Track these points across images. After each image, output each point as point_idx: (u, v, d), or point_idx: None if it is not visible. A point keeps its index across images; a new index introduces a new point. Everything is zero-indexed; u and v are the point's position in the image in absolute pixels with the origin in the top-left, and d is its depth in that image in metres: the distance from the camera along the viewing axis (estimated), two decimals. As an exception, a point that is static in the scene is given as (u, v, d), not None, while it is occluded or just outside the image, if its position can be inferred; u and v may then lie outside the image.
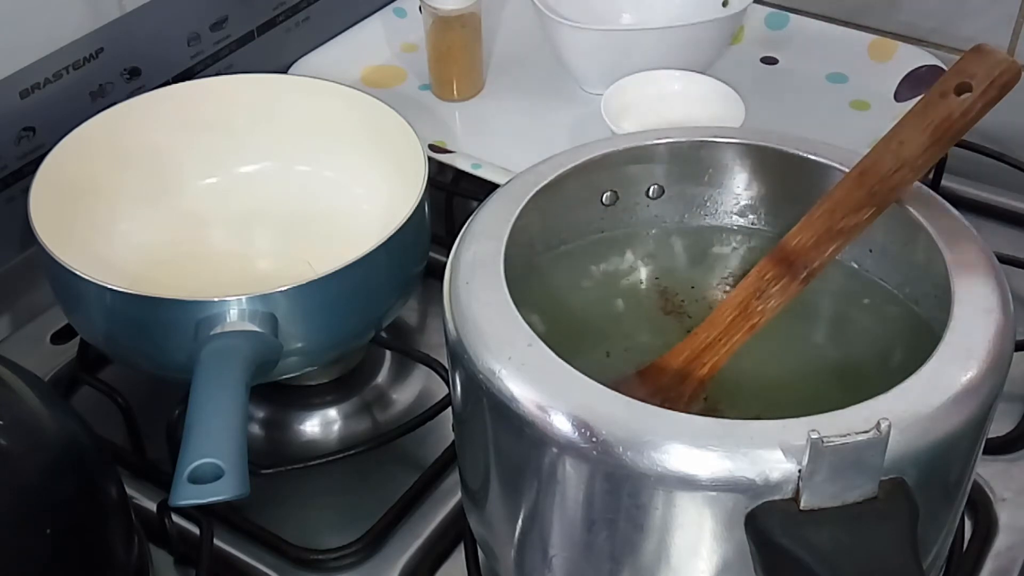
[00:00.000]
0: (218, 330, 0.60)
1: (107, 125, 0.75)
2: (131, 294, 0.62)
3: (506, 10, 1.04)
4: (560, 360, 0.48)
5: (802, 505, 0.43)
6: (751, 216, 0.62)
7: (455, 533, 0.66)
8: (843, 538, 0.43)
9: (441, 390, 0.71)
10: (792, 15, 1.00)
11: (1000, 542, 0.65)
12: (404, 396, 0.75)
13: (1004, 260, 0.55)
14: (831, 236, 0.53)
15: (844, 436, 0.42)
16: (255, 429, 0.73)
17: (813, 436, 0.42)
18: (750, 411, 0.46)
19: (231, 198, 0.80)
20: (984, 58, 0.50)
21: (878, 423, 0.42)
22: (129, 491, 0.62)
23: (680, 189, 0.62)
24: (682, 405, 0.53)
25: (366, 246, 0.64)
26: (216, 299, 0.61)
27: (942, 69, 0.91)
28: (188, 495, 0.52)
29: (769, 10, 1.00)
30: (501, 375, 0.47)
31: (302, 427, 0.73)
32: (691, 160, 0.61)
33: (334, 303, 0.65)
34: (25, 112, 0.75)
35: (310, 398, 0.74)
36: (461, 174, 0.85)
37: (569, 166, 0.58)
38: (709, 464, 0.44)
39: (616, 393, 0.46)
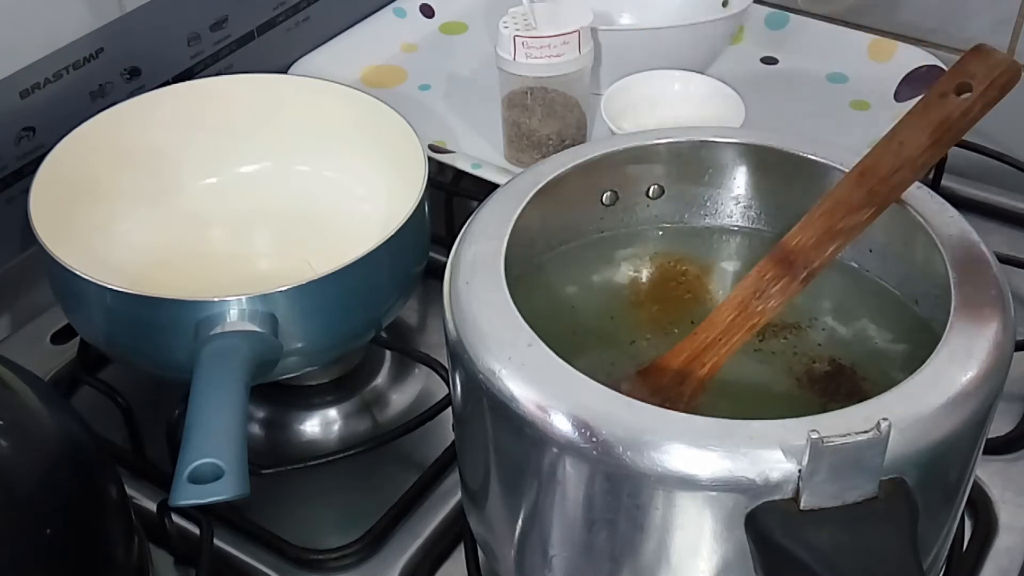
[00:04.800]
0: (218, 330, 0.60)
1: (107, 125, 0.75)
2: (131, 294, 0.62)
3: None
4: (560, 360, 0.48)
5: (802, 505, 0.43)
6: (751, 216, 0.62)
7: (455, 533, 0.66)
8: (843, 538, 0.43)
9: (441, 390, 0.71)
10: (792, 15, 1.00)
11: (1000, 542, 0.65)
12: (404, 396, 0.75)
13: (1004, 260, 0.55)
14: (831, 236, 0.53)
15: (844, 436, 0.42)
16: (255, 429, 0.73)
17: (813, 436, 0.42)
18: (749, 411, 0.46)
19: (231, 198, 0.80)
20: (984, 58, 0.50)
21: (878, 423, 0.42)
22: (129, 491, 0.62)
23: (680, 189, 0.62)
24: (682, 405, 0.53)
25: (366, 246, 0.64)
26: (216, 299, 0.61)
27: (942, 69, 0.91)
28: (188, 495, 0.52)
29: (769, 10, 1.00)
30: (501, 375, 0.47)
31: (302, 427, 0.73)
32: (691, 160, 0.61)
33: (334, 303, 0.64)
34: (25, 112, 0.75)
35: (310, 398, 0.74)
36: (461, 174, 0.85)
37: (569, 166, 0.58)
38: (709, 464, 0.44)
39: (616, 393, 0.46)
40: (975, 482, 0.66)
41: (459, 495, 0.65)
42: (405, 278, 0.70)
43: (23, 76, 0.74)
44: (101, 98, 0.80)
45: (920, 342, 0.51)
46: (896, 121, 0.52)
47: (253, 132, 0.80)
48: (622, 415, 0.45)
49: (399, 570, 0.64)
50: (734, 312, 0.54)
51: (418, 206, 0.67)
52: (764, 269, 0.54)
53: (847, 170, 0.54)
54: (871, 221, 0.53)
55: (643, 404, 0.46)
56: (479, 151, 0.88)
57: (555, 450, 0.46)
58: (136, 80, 0.82)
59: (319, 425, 0.73)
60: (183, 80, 0.83)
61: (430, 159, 0.73)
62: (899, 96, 0.92)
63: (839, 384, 0.55)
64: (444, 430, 0.70)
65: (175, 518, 0.64)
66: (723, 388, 0.55)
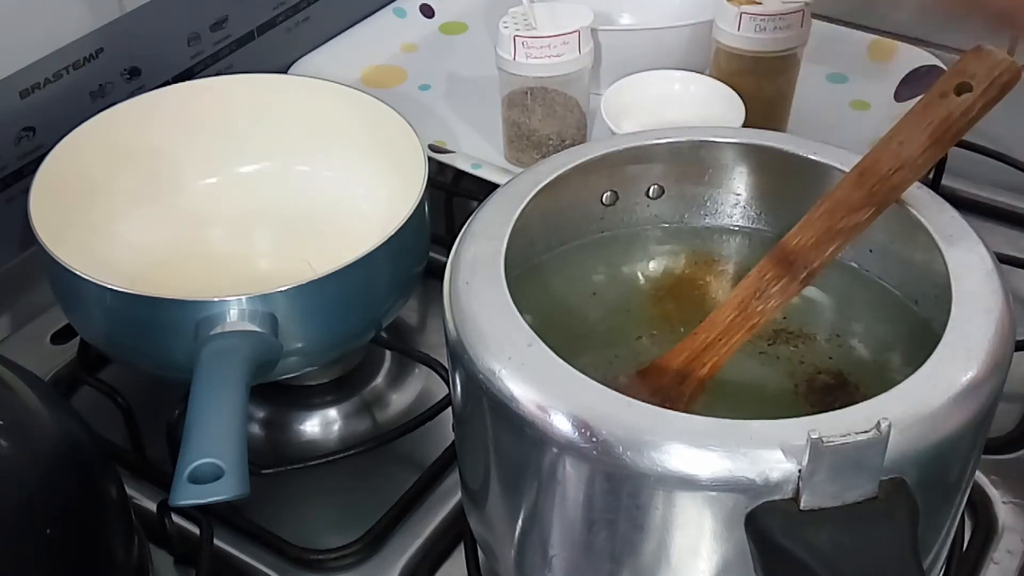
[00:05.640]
0: (218, 330, 0.60)
1: (107, 125, 0.75)
2: (131, 294, 0.62)
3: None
4: (560, 360, 0.48)
5: (802, 505, 0.43)
6: (751, 216, 0.62)
7: (455, 533, 0.66)
8: (843, 538, 0.43)
9: (441, 390, 0.71)
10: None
11: (1000, 542, 0.65)
12: (404, 396, 0.75)
13: (1004, 260, 0.55)
14: (831, 236, 0.53)
15: (844, 436, 0.42)
16: (255, 429, 0.73)
17: (813, 436, 0.42)
18: (749, 411, 0.46)
19: (231, 198, 0.80)
20: (984, 58, 0.50)
21: (878, 423, 0.42)
22: (129, 491, 0.62)
23: (680, 189, 0.62)
24: (682, 405, 0.53)
25: (366, 246, 0.64)
26: (216, 299, 0.61)
27: (942, 69, 0.91)
28: (188, 495, 0.52)
29: (769, 10, 1.00)
30: (501, 375, 0.47)
31: (302, 427, 0.73)
32: (691, 160, 0.61)
33: (334, 303, 0.65)
34: (25, 112, 0.75)
35: (310, 398, 0.74)
36: (461, 174, 0.85)
37: (569, 166, 0.58)
38: (709, 464, 0.44)
39: (616, 393, 0.46)
40: (975, 482, 0.66)
41: (459, 495, 0.65)
42: (405, 278, 0.70)
43: (23, 76, 0.74)
44: (101, 98, 0.80)
45: (920, 342, 0.51)
46: (896, 121, 0.52)
47: (253, 132, 0.80)
48: (622, 415, 0.45)
49: (399, 570, 0.64)
50: (734, 312, 0.54)
51: (418, 206, 0.67)
52: (764, 269, 0.54)
53: (847, 170, 0.54)
54: (871, 221, 0.53)
55: (643, 404, 0.46)
56: (479, 151, 0.88)
57: (555, 450, 0.46)
58: (136, 80, 0.82)
59: (319, 425, 0.73)
60: (183, 80, 0.83)
61: (430, 159, 0.73)
62: (899, 96, 0.92)
63: (835, 398, 0.55)
64: (444, 430, 0.70)
65: (175, 518, 0.64)
66: (718, 387, 0.55)
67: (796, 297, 0.54)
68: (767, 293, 0.54)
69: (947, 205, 0.55)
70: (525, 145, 0.85)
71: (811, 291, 0.59)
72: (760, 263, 0.54)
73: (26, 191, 0.69)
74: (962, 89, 0.50)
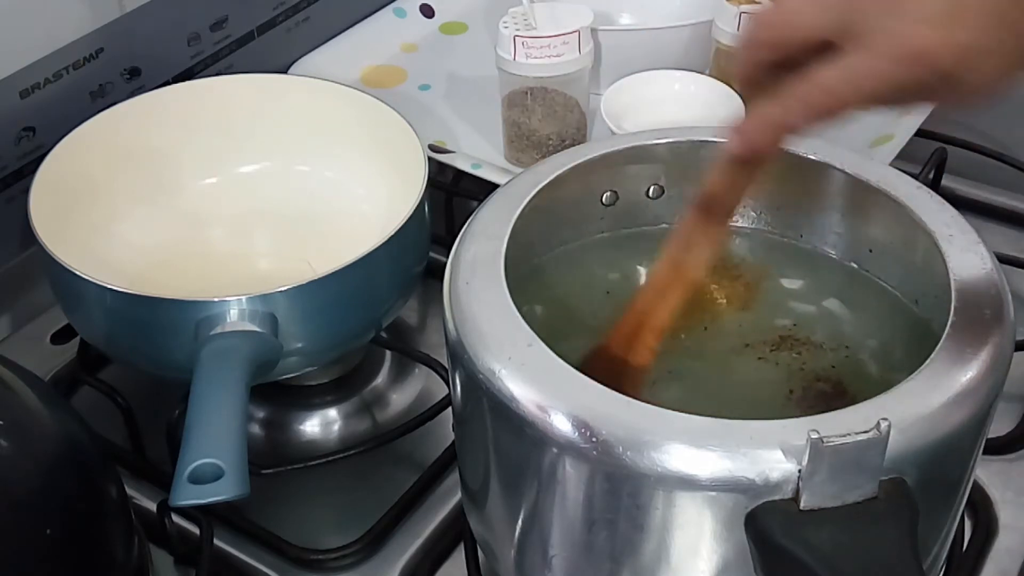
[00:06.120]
0: (218, 330, 0.61)
1: (107, 125, 0.75)
2: (131, 294, 0.62)
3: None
4: (560, 360, 0.48)
5: (802, 505, 0.43)
6: (751, 216, 0.62)
7: (455, 533, 0.66)
8: (843, 538, 0.43)
9: (441, 390, 0.71)
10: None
11: (1000, 542, 0.65)
12: (404, 396, 0.75)
13: (1004, 260, 0.55)
14: (742, 177, 0.52)
15: (844, 436, 0.42)
16: (255, 429, 0.73)
17: (813, 436, 0.42)
18: (749, 412, 0.46)
19: (231, 198, 0.80)
20: None
21: (878, 423, 0.42)
22: (129, 491, 0.62)
23: (680, 189, 0.62)
24: (638, 376, 0.53)
25: (366, 246, 0.64)
26: (216, 299, 0.61)
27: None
28: (188, 495, 0.52)
29: (769, 10, 1.00)
30: (501, 375, 0.47)
31: (302, 427, 0.73)
32: (691, 160, 0.60)
33: (334, 303, 0.65)
34: (25, 112, 0.75)
35: (310, 398, 0.74)
36: (461, 174, 0.85)
37: (569, 166, 0.58)
38: (709, 464, 0.44)
39: (616, 393, 0.46)
40: (975, 482, 0.66)
41: (459, 495, 0.65)
42: (405, 278, 0.70)
43: (23, 76, 0.74)
44: (101, 98, 0.80)
45: (920, 342, 0.51)
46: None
47: (253, 132, 0.80)
48: (622, 415, 0.45)
49: (399, 570, 0.64)
50: (666, 270, 0.54)
51: (418, 206, 0.67)
52: (686, 222, 0.54)
53: (848, 170, 0.54)
54: (777, 156, 0.52)
55: (643, 404, 0.46)
56: (479, 151, 0.88)
57: (555, 450, 0.46)
58: (136, 80, 0.82)
59: (319, 425, 0.73)
60: (183, 80, 0.83)
61: (430, 159, 0.73)
62: (899, 96, 0.91)
63: (829, 407, 0.55)
64: (444, 430, 0.70)
65: (175, 518, 0.64)
66: (718, 389, 0.55)
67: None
68: (693, 243, 0.53)
69: (947, 205, 0.55)
70: (525, 145, 0.85)
71: (812, 292, 0.59)
72: (683, 218, 0.54)
73: (26, 191, 0.69)
74: None
